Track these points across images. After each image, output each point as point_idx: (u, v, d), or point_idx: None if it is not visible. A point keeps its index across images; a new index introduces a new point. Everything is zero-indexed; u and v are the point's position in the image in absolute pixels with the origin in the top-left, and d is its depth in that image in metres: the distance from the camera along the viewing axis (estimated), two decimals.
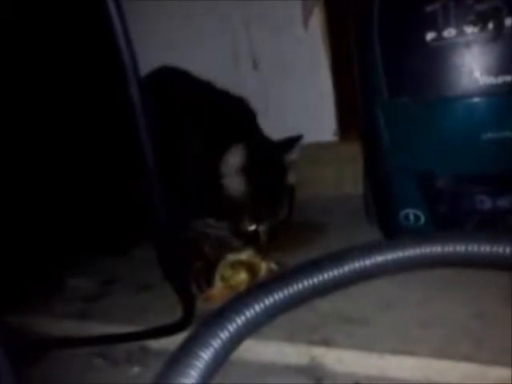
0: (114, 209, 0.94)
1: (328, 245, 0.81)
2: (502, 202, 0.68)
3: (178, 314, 0.66)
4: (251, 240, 0.82)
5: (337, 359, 0.57)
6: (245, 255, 0.75)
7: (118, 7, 0.50)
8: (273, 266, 0.74)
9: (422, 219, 0.73)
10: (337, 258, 0.65)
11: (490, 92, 0.64)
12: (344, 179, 1.10)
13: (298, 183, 0.95)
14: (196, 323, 0.63)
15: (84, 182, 0.93)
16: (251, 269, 0.72)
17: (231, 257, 0.75)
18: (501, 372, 0.49)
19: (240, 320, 0.56)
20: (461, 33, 0.63)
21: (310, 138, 1.10)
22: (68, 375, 0.65)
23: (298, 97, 1.11)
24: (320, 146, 1.13)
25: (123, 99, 0.54)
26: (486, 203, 0.68)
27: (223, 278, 0.71)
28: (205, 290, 0.72)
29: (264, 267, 0.73)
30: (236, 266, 0.73)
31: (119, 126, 0.71)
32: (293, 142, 0.89)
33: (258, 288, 0.62)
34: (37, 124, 0.91)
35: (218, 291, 0.71)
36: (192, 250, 0.79)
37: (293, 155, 0.88)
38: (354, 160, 0.99)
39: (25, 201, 0.88)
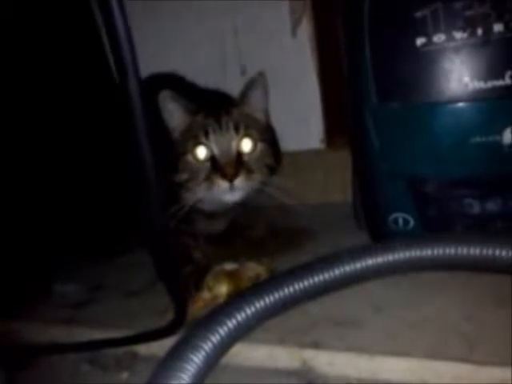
0: (105, 213, 0.93)
1: (316, 250, 0.81)
2: (491, 206, 0.68)
3: (166, 319, 0.65)
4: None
5: (328, 362, 0.57)
6: (230, 266, 0.74)
7: (121, 8, 0.50)
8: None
9: (411, 223, 0.73)
10: (327, 262, 0.65)
11: (478, 97, 0.65)
12: (332, 186, 1.10)
13: (286, 190, 0.95)
14: (187, 326, 0.63)
15: (74, 187, 0.92)
16: (233, 280, 0.72)
17: (217, 267, 0.74)
18: (493, 372, 0.49)
19: (231, 323, 0.56)
20: (450, 38, 0.64)
21: (297, 145, 1.11)
22: (56, 381, 0.65)
23: (286, 104, 1.11)
24: (308, 153, 1.13)
25: (122, 101, 0.53)
26: (474, 207, 0.69)
27: (208, 287, 0.71)
28: (193, 295, 0.71)
29: (246, 279, 0.72)
30: (219, 276, 0.72)
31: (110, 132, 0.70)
32: None
33: (249, 291, 0.62)
34: (26, 128, 0.90)
35: (204, 299, 0.70)
36: (182, 256, 0.79)
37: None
38: (341, 167, 0.99)
39: (12, 207, 0.88)
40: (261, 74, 0.85)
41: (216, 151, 0.80)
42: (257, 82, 0.85)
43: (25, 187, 0.89)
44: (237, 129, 0.81)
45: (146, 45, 1.14)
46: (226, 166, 0.78)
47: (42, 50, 0.91)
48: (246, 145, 0.82)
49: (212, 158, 0.80)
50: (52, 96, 0.91)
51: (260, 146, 0.83)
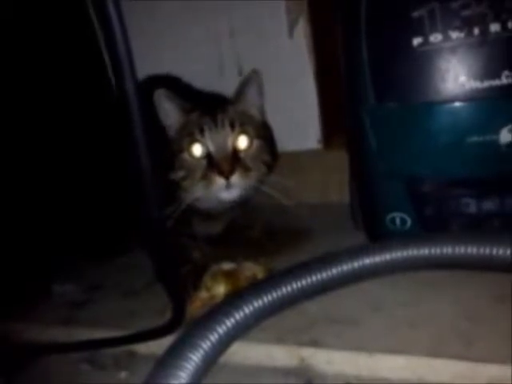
0: (105, 213, 0.93)
1: (314, 251, 0.81)
2: (488, 205, 0.68)
3: (165, 318, 0.65)
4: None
5: (326, 360, 0.57)
6: (227, 266, 0.74)
7: (117, 7, 0.50)
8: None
9: (408, 223, 0.73)
10: (325, 261, 0.65)
11: (475, 96, 0.65)
12: (329, 186, 1.10)
13: (284, 190, 0.95)
14: (184, 326, 0.63)
15: (74, 187, 0.92)
16: (231, 280, 0.72)
17: (214, 267, 0.74)
18: (492, 370, 0.49)
19: (229, 322, 0.56)
20: (447, 38, 0.64)
21: (295, 145, 1.11)
22: (55, 381, 0.65)
23: (283, 105, 1.11)
24: (305, 154, 1.13)
25: (119, 101, 0.53)
26: (471, 206, 0.69)
27: (206, 287, 0.71)
28: (191, 294, 0.71)
29: (244, 279, 0.72)
30: (217, 276, 0.72)
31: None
32: None
33: (247, 291, 0.62)
34: (24, 129, 0.90)
35: (201, 299, 0.70)
36: (181, 255, 0.79)
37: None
38: (338, 167, 0.99)
39: (12, 207, 0.87)
40: (255, 72, 0.85)
41: (212, 148, 0.80)
42: (251, 80, 0.85)
43: (24, 187, 0.89)
44: (232, 126, 0.81)
45: (144, 46, 1.14)
46: (222, 163, 0.78)
47: (39, 50, 0.91)
48: (242, 142, 0.82)
49: (208, 156, 0.80)
50: (51, 96, 0.91)
51: (256, 142, 0.83)
